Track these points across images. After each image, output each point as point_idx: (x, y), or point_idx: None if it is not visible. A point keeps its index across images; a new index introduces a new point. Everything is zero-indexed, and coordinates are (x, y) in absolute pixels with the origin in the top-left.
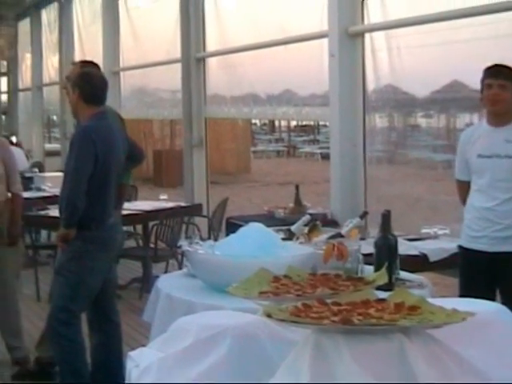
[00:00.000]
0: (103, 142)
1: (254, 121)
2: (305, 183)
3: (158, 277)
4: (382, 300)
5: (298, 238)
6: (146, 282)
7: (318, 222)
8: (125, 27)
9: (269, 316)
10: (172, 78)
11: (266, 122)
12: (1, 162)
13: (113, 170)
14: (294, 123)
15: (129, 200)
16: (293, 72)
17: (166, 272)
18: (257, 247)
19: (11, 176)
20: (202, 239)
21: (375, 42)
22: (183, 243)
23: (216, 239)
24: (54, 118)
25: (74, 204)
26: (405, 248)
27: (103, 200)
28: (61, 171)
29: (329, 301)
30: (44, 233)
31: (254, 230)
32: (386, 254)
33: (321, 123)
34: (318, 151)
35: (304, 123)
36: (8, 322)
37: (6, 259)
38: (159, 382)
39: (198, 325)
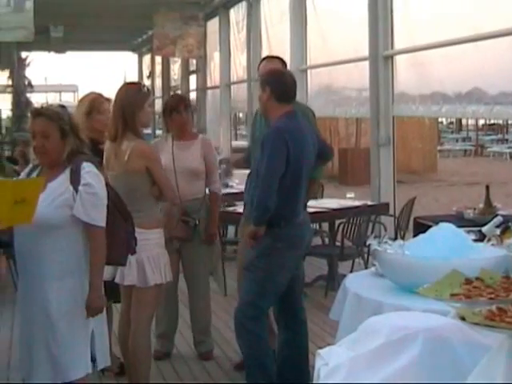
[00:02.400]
0: (295, 142)
1: (440, 119)
2: (493, 183)
3: (344, 275)
4: None
5: (489, 240)
6: (331, 280)
7: (510, 224)
8: (312, 25)
9: (462, 319)
10: (359, 76)
11: (453, 120)
12: (202, 159)
13: (304, 169)
14: (481, 122)
15: (315, 198)
16: (483, 70)
17: (351, 271)
18: (447, 248)
19: (211, 174)
20: (390, 239)
21: None
22: (372, 242)
23: (403, 239)
24: (241, 115)
25: (265, 204)
26: None
27: (293, 199)
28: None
29: None
30: (231, 228)
31: (444, 231)
32: None
33: (510, 122)
34: (507, 151)
35: (492, 122)
36: (199, 318)
37: (200, 255)
38: (349, 381)
39: (388, 325)
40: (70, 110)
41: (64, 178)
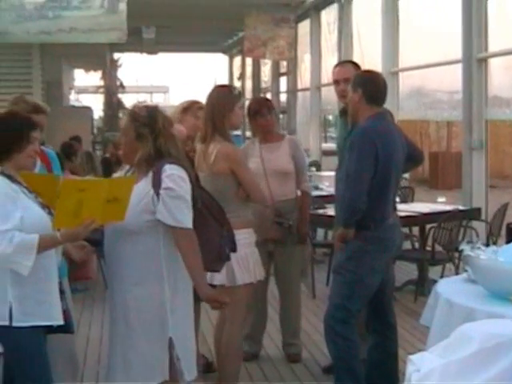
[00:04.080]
0: (384, 142)
1: None
2: None
3: (434, 280)
4: None
5: None
6: (421, 285)
7: None
8: (404, 27)
9: None
10: (451, 78)
11: None
12: (292, 160)
13: (393, 170)
14: None
15: (405, 201)
16: None
17: (442, 276)
18: None
19: (300, 174)
20: (483, 244)
21: None
22: (465, 248)
23: (495, 245)
24: (330, 117)
25: (356, 205)
26: None
27: (383, 201)
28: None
29: None
30: (320, 231)
31: None
32: None
33: None
34: None
35: None
36: (289, 320)
37: (293, 256)
38: None
39: (481, 333)
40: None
41: (147, 181)
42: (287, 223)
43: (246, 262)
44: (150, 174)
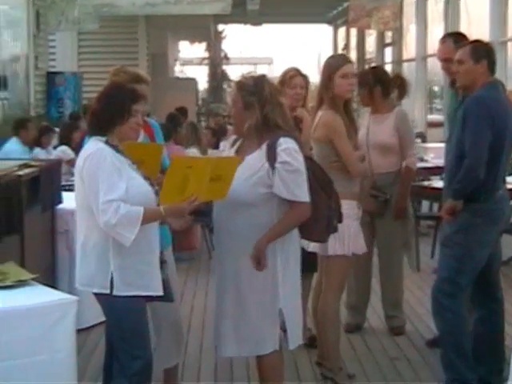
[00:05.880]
0: (498, 111)
1: None
2: None
3: None
4: None
5: None
6: None
7: None
8: None
9: None
10: None
11: None
12: (396, 133)
13: (506, 141)
14: None
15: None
16: None
17: None
18: None
19: (405, 148)
20: None
21: None
22: None
23: None
24: (436, 88)
25: (475, 174)
26: None
27: (494, 172)
28: (443, 142)
29: None
30: (425, 203)
31: None
32: None
33: None
34: None
35: None
36: (390, 292)
37: (393, 229)
38: None
39: None
40: None
41: (260, 154)
42: (383, 197)
43: (341, 233)
44: (264, 147)
